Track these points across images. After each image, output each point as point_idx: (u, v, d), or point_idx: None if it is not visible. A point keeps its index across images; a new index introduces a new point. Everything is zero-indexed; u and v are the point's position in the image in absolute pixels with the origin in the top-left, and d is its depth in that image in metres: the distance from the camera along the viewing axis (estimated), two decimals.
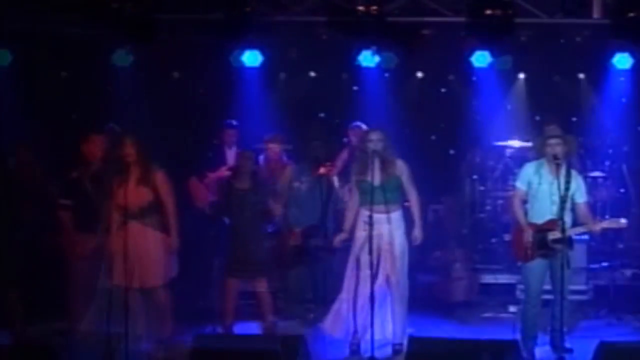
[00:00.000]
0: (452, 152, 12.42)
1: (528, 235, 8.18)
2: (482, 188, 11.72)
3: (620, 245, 10.87)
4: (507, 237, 10.14)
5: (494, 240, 11.22)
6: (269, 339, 8.03)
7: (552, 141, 8.16)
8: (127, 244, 8.24)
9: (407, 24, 10.09)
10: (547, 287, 8.29)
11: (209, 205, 9.77)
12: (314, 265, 9.71)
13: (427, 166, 9.60)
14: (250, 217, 8.98)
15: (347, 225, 8.56)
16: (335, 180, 10.58)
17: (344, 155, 10.73)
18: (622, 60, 11.11)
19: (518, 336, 8.08)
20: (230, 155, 10.64)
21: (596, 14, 9.88)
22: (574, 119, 11.83)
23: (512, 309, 9.42)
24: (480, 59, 11.24)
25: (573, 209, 8.22)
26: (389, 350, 8.40)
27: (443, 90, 12.43)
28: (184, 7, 10.10)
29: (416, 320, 8.77)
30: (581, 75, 11.98)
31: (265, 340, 7.81)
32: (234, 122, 10.89)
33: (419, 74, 12.27)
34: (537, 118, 11.83)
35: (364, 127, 10.31)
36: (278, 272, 9.92)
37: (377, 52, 11.07)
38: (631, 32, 9.07)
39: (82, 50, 10.96)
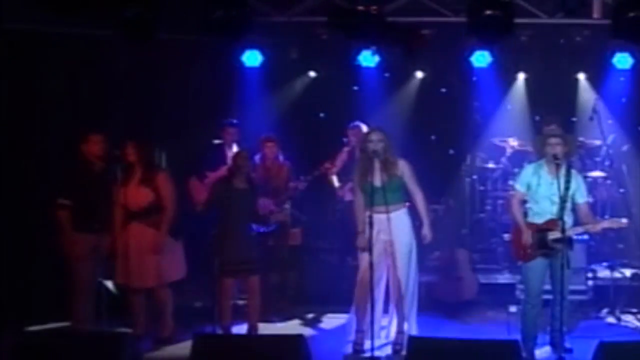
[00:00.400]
0: (452, 152, 12.41)
1: (527, 236, 8.18)
2: (482, 188, 11.74)
3: (620, 245, 10.89)
4: (507, 237, 10.16)
5: (494, 240, 11.25)
6: (269, 339, 8.02)
7: (552, 141, 8.16)
8: (128, 244, 8.24)
9: (407, 24, 10.08)
10: (547, 287, 8.29)
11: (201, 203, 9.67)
12: (313, 265, 9.70)
13: (426, 166, 9.57)
14: (244, 217, 8.96)
15: (360, 226, 8.35)
16: (335, 180, 10.60)
17: (344, 155, 10.73)
18: (622, 60, 11.12)
19: (514, 336, 8.06)
20: (231, 154, 10.62)
21: (596, 14, 9.87)
22: (574, 119, 11.82)
23: (512, 309, 9.42)
24: (480, 59, 11.26)
25: (574, 209, 8.23)
26: (389, 350, 8.41)
27: (443, 90, 12.41)
28: (184, 7, 10.09)
29: (416, 320, 8.75)
30: (581, 75, 11.97)
31: (265, 340, 7.80)
32: (235, 121, 10.88)
33: (419, 74, 12.27)
34: (537, 118, 11.83)
35: (364, 127, 10.31)
36: (277, 272, 9.92)
37: (377, 52, 11.08)
38: (631, 32, 9.04)
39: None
